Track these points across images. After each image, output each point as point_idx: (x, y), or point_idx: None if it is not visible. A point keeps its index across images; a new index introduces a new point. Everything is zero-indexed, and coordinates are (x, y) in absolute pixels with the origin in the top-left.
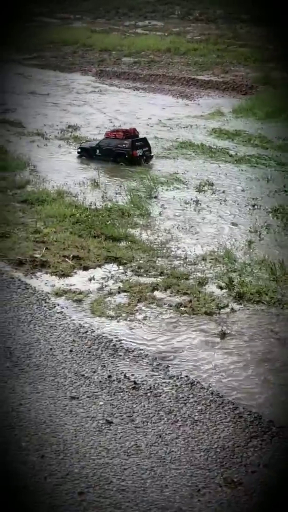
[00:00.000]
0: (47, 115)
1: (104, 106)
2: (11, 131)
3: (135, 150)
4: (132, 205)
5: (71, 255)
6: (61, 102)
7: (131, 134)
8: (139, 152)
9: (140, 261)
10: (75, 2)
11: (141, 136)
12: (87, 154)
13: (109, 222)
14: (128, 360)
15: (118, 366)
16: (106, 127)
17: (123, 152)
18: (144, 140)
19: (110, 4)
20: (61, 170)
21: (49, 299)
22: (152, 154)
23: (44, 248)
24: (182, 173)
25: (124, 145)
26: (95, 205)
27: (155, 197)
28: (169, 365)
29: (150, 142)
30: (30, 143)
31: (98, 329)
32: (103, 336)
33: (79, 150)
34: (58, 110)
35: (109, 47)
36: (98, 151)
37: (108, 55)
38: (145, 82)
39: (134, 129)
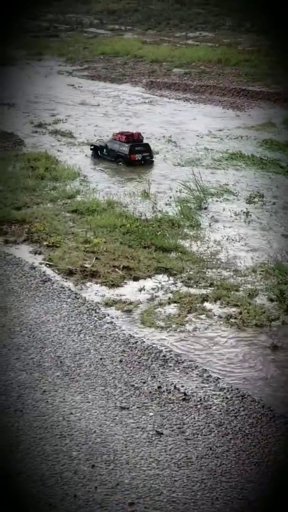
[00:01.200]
0: (97, 126)
1: (154, 117)
2: (61, 141)
3: (133, 154)
4: (182, 216)
5: (121, 266)
6: (111, 112)
7: (133, 138)
8: (137, 157)
9: (190, 272)
10: (126, 13)
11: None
12: (95, 152)
13: (159, 232)
14: (178, 371)
15: (168, 377)
16: (156, 137)
17: (123, 155)
18: (146, 145)
19: (161, 16)
20: (111, 180)
21: (99, 309)
22: (153, 159)
23: (94, 258)
24: (232, 185)
25: (124, 149)
26: (145, 215)
27: (205, 208)
28: (219, 377)
29: (200, 153)
30: (80, 153)
31: (148, 339)
32: (153, 347)
33: (91, 147)
34: (108, 121)
35: (159, 58)
36: (104, 150)
37: (159, 66)
38: (195, 93)
39: (139, 134)
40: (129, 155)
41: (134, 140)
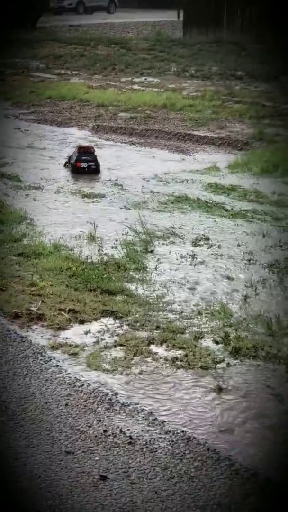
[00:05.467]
0: (44, 169)
1: (100, 160)
2: (7, 185)
3: (79, 162)
4: (128, 259)
5: (67, 308)
6: (58, 155)
7: (84, 149)
8: (83, 164)
9: (136, 315)
10: (72, 58)
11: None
12: (67, 161)
13: (105, 276)
14: (124, 414)
15: (114, 421)
16: (102, 180)
17: (72, 162)
18: (93, 156)
19: (107, 61)
20: (57, 223)
21: (45, 352)
22: (97, 169)
23: (40, 301)
24: (178, 227)
25: (74, 157)
26: (91, 258)
27: (151, 251)
28: (165, 420)
29: (146, 196)
30: (26, 196)
31: (94, 382)
32: (99, 390)
33: (67, 156)
34: (55, 164)
35: (105, 103)
36: (69, 159)
37: (105, 110)
38: (141, 137)
39: (91, 147)
40: (76, 162)
41: (84, 151)
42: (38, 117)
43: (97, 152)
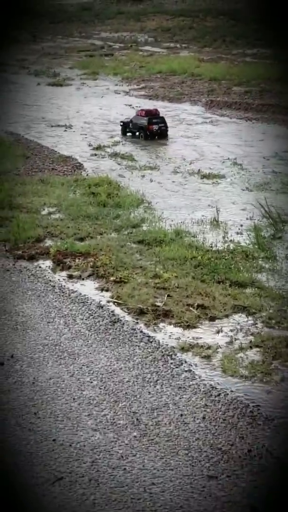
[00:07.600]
0: (158, 148)
1: (216, 138)
2: (122, 165)
3: (151, 125)
4: (256, 246)
5: (196, 304)
6: (172, 134)
7: (151, 113)
8: (154, 127)
9: (270, 311)
10: (181, 30)
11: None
12: (124, 127)
13: (233, 265)
14: (269, 430)
15: (258, 438)
16: (220, 159)
17: (143, 126)
18: (162, 118)
19: (217, 32)
20: (176, 207)
21: (175, 354)
22: (167, 130)
23: (166, 295)
24: None
25: (143, 121)
26: (216, 246)
27: (280, 237)
28: None
29: (268, 176)
30: (142, 177)
31: (232, 391)
32: (238, 400)
33: (121, 124)
34: (169, 143)
35: (218, 76)
36: (130, 125)
37: (218, 84)
38: (257, 112)
39: (156, 110)
40: (148, 126)
41: (152, 115)
42: (149, 93)
43: (212, 129)
